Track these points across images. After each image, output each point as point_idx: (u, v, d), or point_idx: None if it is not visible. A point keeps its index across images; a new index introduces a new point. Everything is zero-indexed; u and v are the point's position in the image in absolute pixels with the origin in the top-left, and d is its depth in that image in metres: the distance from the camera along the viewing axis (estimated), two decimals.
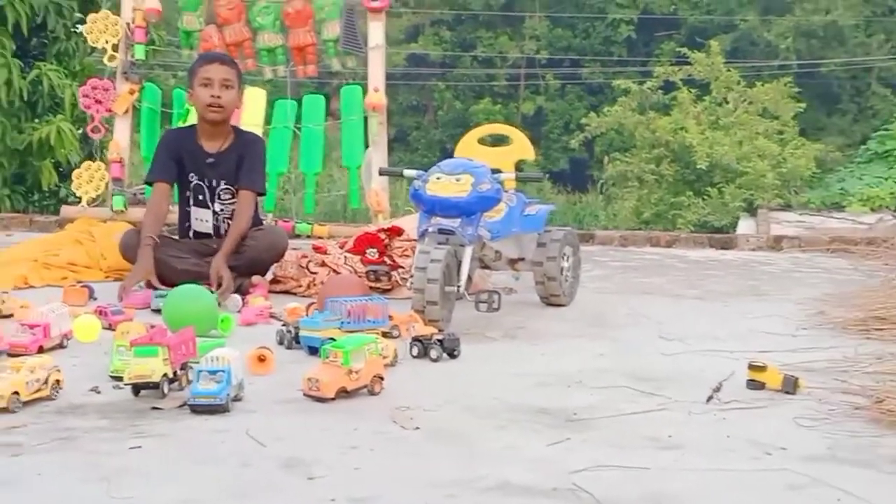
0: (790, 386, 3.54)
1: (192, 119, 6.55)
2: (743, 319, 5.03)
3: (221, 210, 5.56)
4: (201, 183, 5.55)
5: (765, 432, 3.09)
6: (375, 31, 6.95)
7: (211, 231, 5.56)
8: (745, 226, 13.55)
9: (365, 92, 6.96)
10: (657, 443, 2.98)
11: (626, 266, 6.98)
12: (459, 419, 3.21)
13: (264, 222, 6.00)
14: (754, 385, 3.58)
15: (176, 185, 5.70)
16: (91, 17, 7.34)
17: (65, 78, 9.52)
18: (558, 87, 35.28)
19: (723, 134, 17.07)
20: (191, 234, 5.60)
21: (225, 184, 5.53)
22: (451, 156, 5.26)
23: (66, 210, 7.55)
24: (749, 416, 3.29)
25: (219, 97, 5.44)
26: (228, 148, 5.54)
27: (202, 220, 5.57)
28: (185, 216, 5.62)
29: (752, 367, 3.62)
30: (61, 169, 9.89)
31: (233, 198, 5.52)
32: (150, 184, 5.69)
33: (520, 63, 35.60)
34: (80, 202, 7.36)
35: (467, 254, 4.62)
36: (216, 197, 5.55)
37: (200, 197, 5.55)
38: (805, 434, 3.10)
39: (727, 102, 18.12)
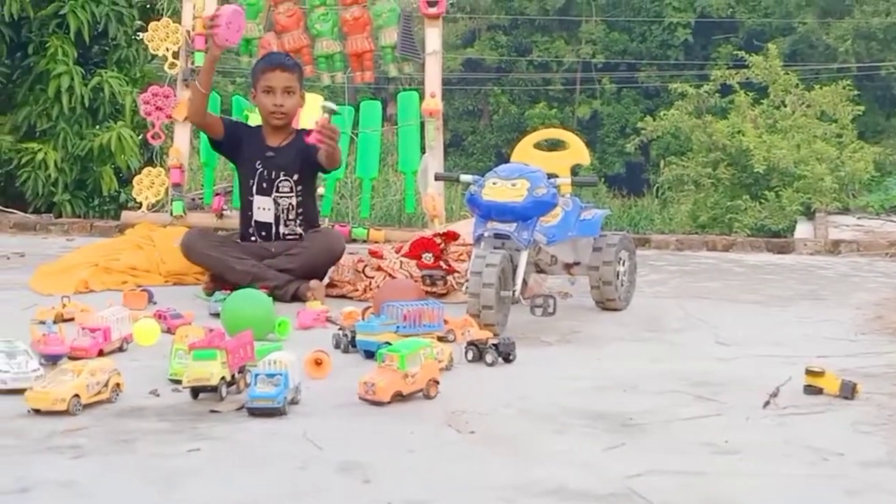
0: (848, 391, 3.51)
1: (252, 121, 6.66)
2: (800, 324, 5.00)
3: (281, 199, 5.66)
4: (263, 172, 5.65)
5: (822, 438, 3.07)
6: (432, 38, 6.98)
7: (272, 220, 5.66)
8: (803, 230, 13.39)
9: (421, 97, 6.99)
10: (713, 448, 2.98)
11: (682, 270, 6.95)
12: (515, 423, 3.22)
13: (321, 226, 6.05)
14: (812, 390, 3.56)
15: (238, 178, 6.02)
16: (152, 24, 7.42)
17: (125, 85, 9.63)
18: (614, 91, 35.15)
19: (780, 137, 16.89)
20: (252, 223, 5.69)
21: (284, 175, 5.67)
22: (506, 160, 5.27)
23: (126, 215, 7.63)
24: (806, 421, 3.28)
25: (281, 105, 5.63)
26: (288, 144, 5.72)
27: (264, 208, 5.70)
28: (247, 205, 5.76)
29: (809, 372, 3.59)
30: (121, 175, 9.99)
31: (290, 191, 5.67)
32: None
33: (576, 67, 35.51)
34: (140, 207, 7.44)
35: (523, 258, 4.62)
36: (274, 188, 5.68)
37: (264, 185, 5.69)
38: (863, 440, 3.08)
39: (785, 106, 17.93)
